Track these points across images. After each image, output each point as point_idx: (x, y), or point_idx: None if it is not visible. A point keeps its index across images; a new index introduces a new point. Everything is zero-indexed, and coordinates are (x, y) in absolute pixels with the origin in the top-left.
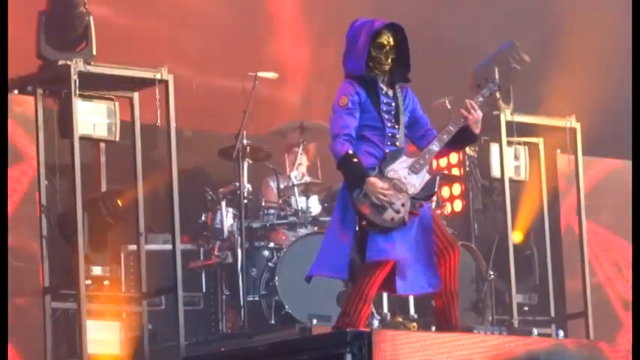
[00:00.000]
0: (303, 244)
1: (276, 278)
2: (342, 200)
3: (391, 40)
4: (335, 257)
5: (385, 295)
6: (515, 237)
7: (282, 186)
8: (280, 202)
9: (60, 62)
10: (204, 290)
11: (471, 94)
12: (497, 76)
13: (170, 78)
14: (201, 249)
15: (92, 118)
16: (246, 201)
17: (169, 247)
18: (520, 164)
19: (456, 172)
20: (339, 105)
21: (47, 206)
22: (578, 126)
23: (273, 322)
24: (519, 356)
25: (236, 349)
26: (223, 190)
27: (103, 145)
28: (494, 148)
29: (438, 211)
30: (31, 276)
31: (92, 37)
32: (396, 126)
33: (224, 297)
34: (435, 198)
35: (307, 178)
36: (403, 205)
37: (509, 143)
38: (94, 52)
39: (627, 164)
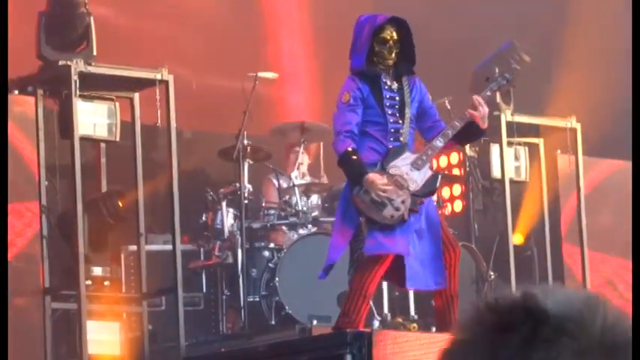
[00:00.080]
0: (303, 245)
1: (277, 279)
2: (344, 197)
3: (394, 34)
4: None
5: (385, 296)
6: (516, 239)
7: (283, 186)
8: (281, 202)
9: (60, 63)
10: (204, 291)
11: (471, 95)
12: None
13: (170, 78)
14: (202, 249)
15: (92, 118)
16: (246, 201)
17: (169, 247)
18: (520, 165)
19: (456, 172)
20: (341, 101)
21: (47, 207)
22: (578, 126)
23: (273, 322)
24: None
25: (236, 350)
26: (224, 190)
27: (103, 145)
28: (494, 148)
29: (439, 212)
30: (31, 276)
31: (92, 37)
32: (400, 121)
33: (224, 297)
34: (435, 197)
35: (308, 178)
36: (403, 202)
37: (510, 144)
38: (95, 53)
39: (629, 165)
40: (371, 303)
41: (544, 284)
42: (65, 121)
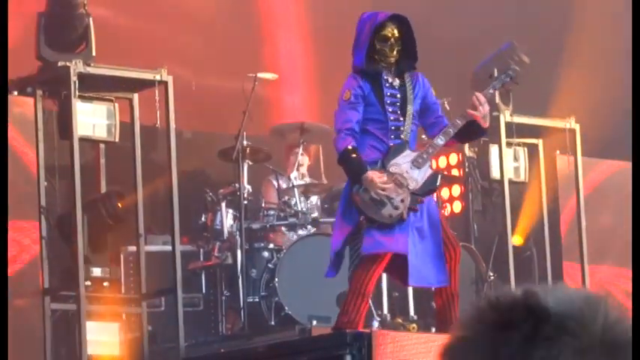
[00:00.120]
0: (303, 246)
1: (276, 279)
2: (345, 196)
3: (395, 32)
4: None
5: (385, 296)
6: (516, 240)
7: (282, 187)
8: (280, 203)
9: (59, 63)
10: (203, 291)
11: (471, 95)
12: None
13: (170, 79)
14: (201, 250)
15: (92, 119)
16: (246, 202)
17: (169, 248)
18: (519, 165)
19: (455, 173)
20: (342, 99)
21: (47, 208)
22: (577, 127)
23: (272, 323)
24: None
25: (236, 351)
26: (223, 191)
27: (102, 146)
28: (493, 149)
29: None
30: (30, 277)
31: (92, 38)
32: (401, 118)
33: (224, 298)
34: (434, 197)
35: (307, 179)
36: (402, 200)
37: (509, 144)
38: (94, 54)
39: (629, 165)
40: (370, 303)
41: (544, 284)
42: (64, 121)
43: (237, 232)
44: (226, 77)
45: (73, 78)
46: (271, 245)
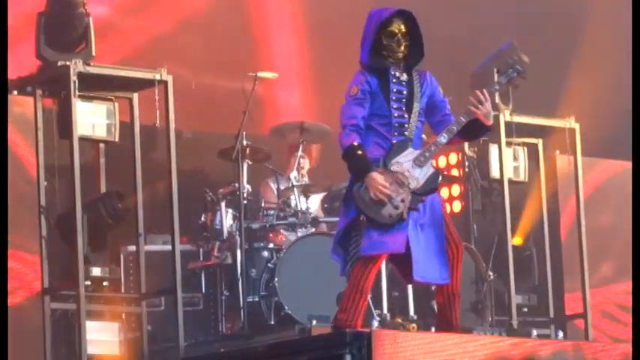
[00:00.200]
0: (302, 245)
1: (276, 279)
2: (348, 191)
3: (402, 27)
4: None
5: (385, 296)
6: (516, 241)
7: (281, 187)
8: (280, 202)
9: (59, 63)
10: (203, 291)
11: (470, 96)
12: (495, 77)
13: (169, 79)
14: (201, 250)
15: (91, 118)
16: (245, 202)
17: (169, 247)
18: (519, 165)
19: (455, 172)
20: (349, 94)
21: (46, 207)
22: (577, 127)
23: (272, 322)
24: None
25: (235, 350)
26: (223, 190)
27: (102, 145)
28: (493, 148)
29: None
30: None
31: (91, 37)
32: (405, 115)
33: (223, 298)
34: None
35: (306, 179)
36: (403, 200)
37: (509, 144)
38: (94, 53)
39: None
40: (370, 302)
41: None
42: (64, 121)
43: (237, 232)
44: (226, 77)
45: (73, 77)
46: (271, 245)
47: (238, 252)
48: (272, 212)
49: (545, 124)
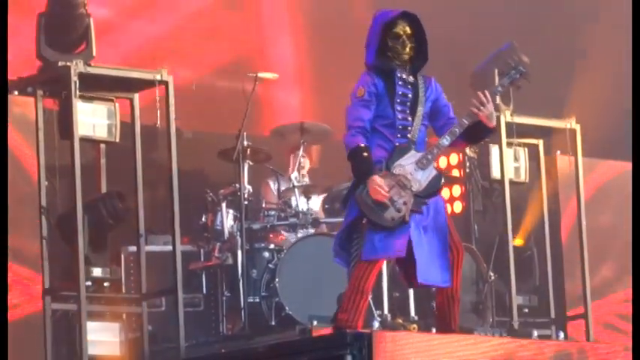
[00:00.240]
0: (303, 246)
1: (277, 279)
2: (347, 196)
3: (407, 29)
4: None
5: (385, 297)
6: (517, 242)
7: (282, 187)
8: (280, 203)
9: (60, 63)
10: (204, 292)
11: (470, 96)
12: (496, 78)
13: (170, 79)
14: (202, 250)
15: (92, 119)
16: (246, 202)
17: (169, 248)
18: (520, 166)
19: (456, 173)
20: (355, 96)
21: (47, 207)
22: (578, 127)
23: (273, 323)
24: None
25: (236, 351)
26: (224, 191)
27: (103, 146)
28: (494, 149)
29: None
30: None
31: (92, 38)
32: (409, 118)
33: (224, 298)
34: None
35: (307, 180)
36: (405, 203)
37: (509, 145)
38: (94, 54)
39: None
40: (371, 303)
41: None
42: (65, 121)
43: (238, 233)
44: (227, 77)
45: (74, 78)
46: (272, 245)
47: (239, 252)
48: (273, 213)
49: (546, 125)
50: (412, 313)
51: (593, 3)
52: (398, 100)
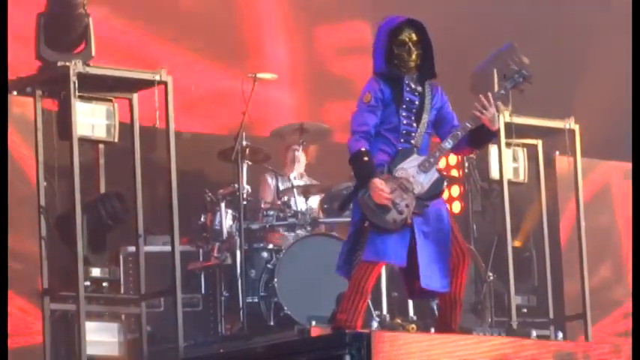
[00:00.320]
0: (302, 246)
1: (275, 280)
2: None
3: (413, 36)
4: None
5: (384, 297)
6: (515, 243)
7: (281, 187)
8: (279, 203)
9: (59, 63)
10: (203, 292)
11: (470, 97)
12: (496, 78)
13: (169, 79)
14: (201, 250)
15: (91, 119)
16: (245, 202)
17: (168, 248)
18: (519, 166)
19: (454, 173)
20: (362, 101)
21: (46, 208)
22: (576, 128)
23: (272, 323)
24: None
25: (235, 351)
26: (222, 191)
27: (101, 146)
28: (492, 149)
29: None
30: (30, 278)
31: (91, 38)
32: (414, 124)
33: (223, 298)
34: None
35: (307, 179)
36: (407, 205)
37: (508, 145)
38: (93, 54)
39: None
40: (370, 303)
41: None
42: (64, 122)
43: (237, 233)
44: (226, 77)
45: (73, 78)
46: (270, 246)
47: (238, 253)
48: (271, 213)
49: (545, 125)
50: (411, 313)
51: (593, 3)
52: (404, 106)
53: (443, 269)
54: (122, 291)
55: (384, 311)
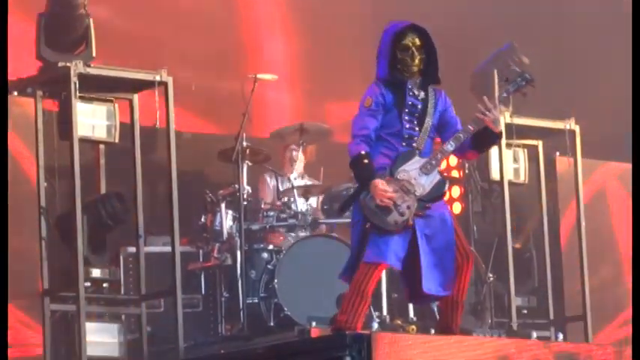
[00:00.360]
0: (302, 247)
1: (276, 280)
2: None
3: (417, 40)
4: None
5: (384, 298)
6: (516, 245)
7: (281, 188)
8: (280, 204)
9: (60, 64)
10: (203, 292)
11: (470, 97)
12: (496, 78)
13: (170, 80)
14: (201, 251)
15: (92, 119)
16: (245, 203)
17: (168, 249)
18: (519, 167)
19: (455, 174)
20: (363, 105)
21: (46, 208)
22: (577, 128)
23: (272, 324)
24: None
25: (235, 352)
26: (223, 192)
27: (102, 147)
28: (493, 150)
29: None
30: (30, 278)
31: (92, 38)
32: (416, 128)
33: (223, 299)
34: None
35: (307, 180)
36: (408, 207)
37: (509, 146)
38: (94, 54)
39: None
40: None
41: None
42: (64, 122)
43: (237, 233)
44: (226, 78)
45: (73, 79)
46: (271, 246)
47: (238, 253)
48: (272, 213)
49: (546, 126)
50: (411, 314)
51: (593, 3)
52: (406, 110)
53: (446, 273)
54: (122, 291)
55: (385, 312)
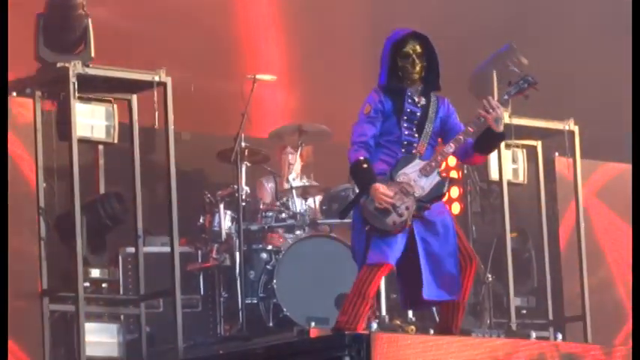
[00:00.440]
0: (301, 247)
1: (275, 281)
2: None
3: (418, 48)
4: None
5: (384, 298)
6: (512, 234)
7: (279, 188)
8: (278, 204)
9: (58, 64)
10: (202, 293)
11: (470, 97)
12: (495, 79)
13: (168, 80)
14: (200, 251)
15: (90, 120)
16: (244, 203)
17: (167, 249)
18: (518, 167)
19: (454, 174)
20: (362, 113)
21: (45, 209)
22: (576, 129)
23: (271, 324)
24: None
25: (234, 352)
26: (221, 192)
27: (101, 147)
28: None
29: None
30: (29, 278)
31: (90, 39)
32: (416, 135)
33: (222, 299)
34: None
35: (305, 180)
36: (407, 208)
37: (508, 146)
38: (93, 55)
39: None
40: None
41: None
42: (63, 123)
43: (236, 234)
44: (225, 79)
45: (72, 79)
46: (269, 247)
47: (237, 254)
48: (270, 214)
49: (545, 127)
50: (410, 314)
51: (593, 3)
52: (405, 117)
53: (449, 278)
54: (121, 292)
55: (384, 312)
